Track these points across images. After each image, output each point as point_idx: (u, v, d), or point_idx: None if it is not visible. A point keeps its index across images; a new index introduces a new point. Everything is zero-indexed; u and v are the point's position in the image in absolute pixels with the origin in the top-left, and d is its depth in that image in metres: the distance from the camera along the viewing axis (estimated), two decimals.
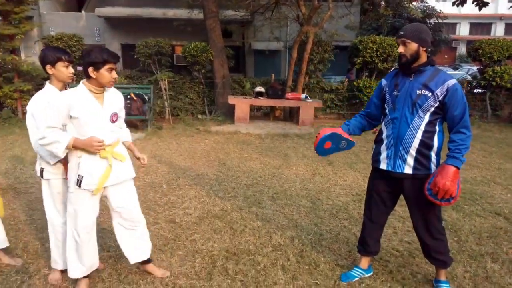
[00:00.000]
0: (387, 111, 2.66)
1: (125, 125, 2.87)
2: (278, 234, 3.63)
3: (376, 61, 9.88)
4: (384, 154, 2.64)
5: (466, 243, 3.48)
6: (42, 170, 2.68)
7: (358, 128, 2.84)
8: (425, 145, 2.50)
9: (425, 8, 21.88)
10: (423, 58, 2.51)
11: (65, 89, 2.72)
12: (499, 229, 3.79)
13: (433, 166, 2.55)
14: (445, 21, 23.91)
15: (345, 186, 5.03)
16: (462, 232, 3.69)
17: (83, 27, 15.93)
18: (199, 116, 10.04)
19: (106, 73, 2.41)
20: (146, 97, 8.62)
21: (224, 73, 10.00)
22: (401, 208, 4.23)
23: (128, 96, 8.34)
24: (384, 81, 2.72)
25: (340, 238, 3.60)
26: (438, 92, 2.42)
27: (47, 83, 2.66)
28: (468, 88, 10.68)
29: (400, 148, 2.55)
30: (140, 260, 2.86)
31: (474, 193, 4.74)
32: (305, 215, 4.13)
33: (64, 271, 2.80)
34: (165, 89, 9.60)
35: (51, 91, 2.63)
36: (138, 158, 2.82)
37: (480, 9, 8.99)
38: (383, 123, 2.71)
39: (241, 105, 9.18)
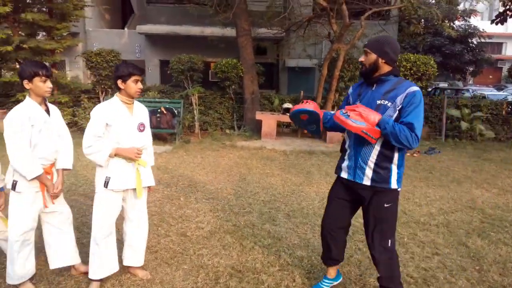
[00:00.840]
0: None
1: (149, 140, 3.04)
2: (287, 253, 3.54)
3: (410, 80, 9.62)
4: (345, 164, 2.63)
5: (488, 273, 3.23)
6: (15, 183, 2.68)
7: (332, 126, 2.74)
8: (385, 157, 2.44)
9: (467, 27, 21.22)
10: (384, 69, 2.46)
11: (45, 103, 2.80)
12: None
13: (393, 180, 2.46)
14: (490, 40, 23.07)
15: None
16: (485, 261, 3.44)
17: (125, 43, 16.65)
18: (227, 131, 10.12)
19: (132, 84, 2.74)
20: (176, 111, 8.81)
21: (253, 89, 10.07)
22: (422, 233, 4.03)
23: (159, 110, 8.56)
24: (350, 90, 2.74)
25: (352, 261, 3.46)
26: (398, 100, 2.37)
27: (27, 97, 2.74)
28: (509, 109, 10.15)
29: (359, 159, 2.51)
30: (135, 265, 3.08)
31: (504, 219, 4.43)
32: (319, 235, 3.97)
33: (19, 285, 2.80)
34: (195, 104, 9.78)
35: (30, 105, 2.69)
36: None
37: None
38: (346, 132, 2.68)
39: (268, 121, 9.18)
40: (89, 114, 9.02)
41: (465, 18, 20.78)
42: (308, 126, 2.73)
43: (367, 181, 2.49)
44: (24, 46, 8.61)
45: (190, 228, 4.03)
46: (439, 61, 16.85)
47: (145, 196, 3.04)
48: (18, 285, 2.80)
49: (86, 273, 2.94)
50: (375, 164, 2.45)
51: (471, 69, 22.97)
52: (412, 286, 3.04)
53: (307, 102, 2.64)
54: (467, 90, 16.91)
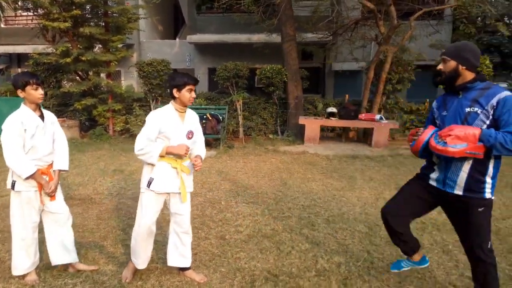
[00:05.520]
0: None
1: (201, 143, 3.15)
2: (325, 259, 3.51)
3: None
4: (435, 175, 2.56)
5: None
6: (14, 183, 2.91)
7: (424, 154, 2.64)
8: (478, 168, 2.34)
9: None
10: (467, 76, 2.37)
11: (39, 109, 3.01)
12: None
13: (487, 190, 2.36)
14: None
15: None
16: None
17: (176, 53, 17.27)
18: (271, 136, 10.19)
19: (186, 93, 2.86)
20: (221, 117, 9.02)
21: (297, 94, 10.07)
22: None
23: (204, 116, 8.81)
24: (434, 103, 2.65)
25: None
26: (489, 107, 2.27)
27: (22, 104, 2.95)
28: None
29: (450, 172, 2.43)
30: (179, 266, 3.16)
31: None
32: (358, 240, 3.93)
33: (25, 275, 3.07)
34: (240, 109, 9.95)
35: (24, 111, 2.92)
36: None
37: None
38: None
39: (311, 125, 9.13)
40: (140, 121, 9.48)
41: None
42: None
43: (459, 191, 2.43)
44: (82, 58, 9.20)
45: (229, 232, 4.11)
46: (498, 61, 15.83)
47: (189, 201, 3.11)
48: (23, 275, 3.07)
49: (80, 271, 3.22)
50: (468, 175, 2.37)
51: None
52: None
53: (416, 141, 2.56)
54: None
